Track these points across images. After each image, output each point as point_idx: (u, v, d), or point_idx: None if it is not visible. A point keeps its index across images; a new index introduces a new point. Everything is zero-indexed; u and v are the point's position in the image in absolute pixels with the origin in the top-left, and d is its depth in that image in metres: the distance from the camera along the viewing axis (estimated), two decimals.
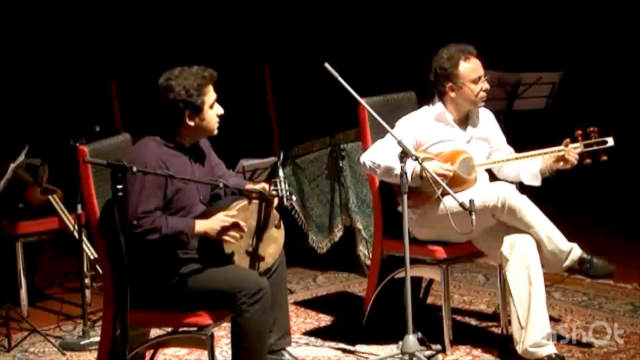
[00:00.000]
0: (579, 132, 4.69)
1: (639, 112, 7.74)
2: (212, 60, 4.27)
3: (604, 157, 4.67)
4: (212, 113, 4.16)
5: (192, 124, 4.13)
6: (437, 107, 4.81)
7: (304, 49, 7.63)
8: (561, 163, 4.69)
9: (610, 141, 4.66)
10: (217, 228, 4.04)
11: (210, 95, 4.15)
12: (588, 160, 4.68)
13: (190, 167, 4.19)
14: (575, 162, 4.67)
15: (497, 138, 4.91)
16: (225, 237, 4.05)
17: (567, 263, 4.57)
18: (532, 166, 4.79)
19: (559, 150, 4.68)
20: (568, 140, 4.69)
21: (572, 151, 4.67)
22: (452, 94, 4.76)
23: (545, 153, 4.71)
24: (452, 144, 4.74)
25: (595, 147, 4.68)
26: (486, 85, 4.77)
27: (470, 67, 4.73)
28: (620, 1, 7.87)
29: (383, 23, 8.27)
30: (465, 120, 4.84)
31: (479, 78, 4.74)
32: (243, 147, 5.72)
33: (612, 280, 5.62)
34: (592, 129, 4.69)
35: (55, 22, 7.54)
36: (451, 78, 4.73)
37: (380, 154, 4.62)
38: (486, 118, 4.90)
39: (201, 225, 4.06)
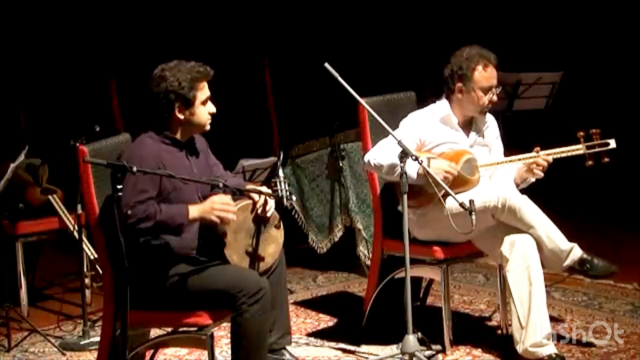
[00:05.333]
0: (581, 133, 4.68)
1: (639, 111, 7.75)
2: (212, 60, 4.27)
3: (606, 159, 4.66)
4: (204, 109, 4.15)
5: (181, 117, 4.13)
6: (444, 107, 4.80)
7: (305, 49, 7.63)
8: (531, 172, 4.68)
9: (613, 143, 4.66)
10: (209, 208, 4.02)
11: (204, 91, 4.15)
12: (590, 162, 4.67)
13: (188, 163, 4.19)
14: (541, 173, 4.66)
15: (495, 147, 4.91)
16: (219, 214, 4.02)
17: (567, 262, 4.57)
18: (508, 175, 4.79)
19: (534, 157, 4.66)
20: (538, 148, 4.68)
21: (541, 158, 4.64)
22: (459, 95, 4.75)
23: (527, 158, 4.68)
24: (455, 146, 4.74)
25: (597, 149, 4.67)
26: (494, 98, 4.76)
27: (485, 76, 4.71)
28: (620, 1, 7.87)
29: (383, 23, 8.27)
30: (469, 125, 4.84)
31: (490, 88, 4.73)
32: (243, 147, 5.73)
33: (612, 280, 5.63)
34: (594, 130, 4.68)
35: (55, 22, 7.54)
36: (463, 80, 4.72)
37: (383, 152, 4.62)
38: (490, 125, 4.89)
39: (195, 210, 4.04)
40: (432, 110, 4.82)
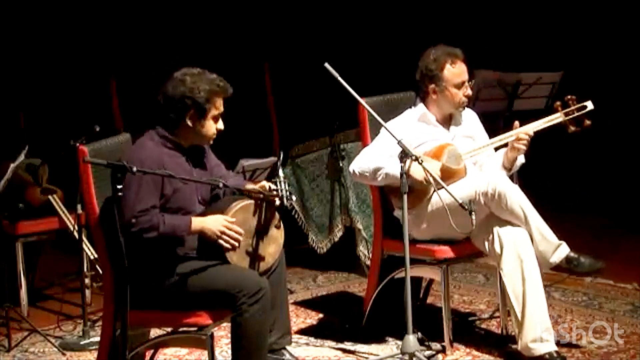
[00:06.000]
0: (558, 103, 4.74)
1: (639, 111, 7.75)
2: (212, 60, 4.28)
3: (588, 122, 4.71)
4: (213, 125, 4.15)
5: (190, 124, 4.12)
6: (419, 108, 4.84)
7: (305, 49, 7.63)
8: (515, 148, 4.70)
9: (590, 105, 4.72)
10: (214, 229, 4.05)
11: (218, 107, 4.14)
12: (572, 128, 4.73)
13: (189, 167, 4.19)
14: (524, 146, 4.67)
15: (480, 137, 4.91)
16: (220, 241, 4.05)
17: (554, 259, 4.55)
18: (496, 162, 4.80)
19: (514, 133, 4.70)
20: (517, 123, 4.72)
21: (520, 133, 4.67)
22: (434, 96, 4.78)
23: (507, 137, 4.72)
24: (435, 143, 4.74)
25: (576, 114, 4.71)
26: (468, 92, 4.79)
27: (455, 72, 4.74)
28: (620, 1, 7.87)
29: (383, 23, 8.28)
30: (448, 120, 4.86)
31: (462, 83, 4.76)
32: (243, 147, 5.72)
33: (612, 280, 5.63)
34: (569, 97, 4.74)
35: (55, 22, 7.54)
36: (435, 80, 4.75)
37: (366, 159, 4.65)
38: (469, 117, 4.92)
39: (198, 223, 4.06)
40: (409, 114, 4.85)
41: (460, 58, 4.77)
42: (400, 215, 4.53)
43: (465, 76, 4.77)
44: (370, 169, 4.63)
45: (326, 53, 4.65)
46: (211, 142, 4.22)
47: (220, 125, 4.18)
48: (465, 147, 4.78)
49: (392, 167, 4.45)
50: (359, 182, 5.77)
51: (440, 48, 4.79)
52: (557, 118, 4.73)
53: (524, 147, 4.70)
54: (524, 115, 5.79)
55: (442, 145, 4.70)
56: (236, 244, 4.08)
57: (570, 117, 4.72)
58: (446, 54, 4.75)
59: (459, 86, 4.75)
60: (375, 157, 4.61)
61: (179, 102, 4.08)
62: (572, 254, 4.55)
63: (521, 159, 4.78)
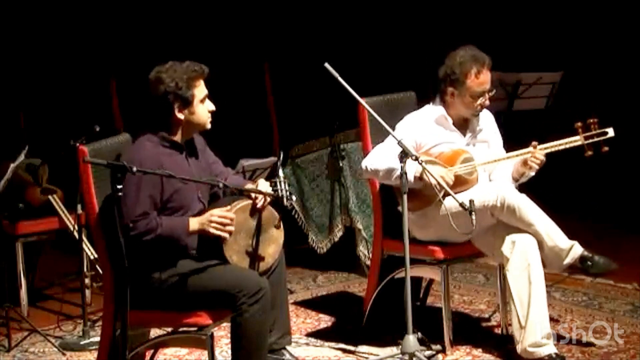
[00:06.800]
0: (579, 124, 4.68)
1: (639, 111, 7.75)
2: (212, 60, 4.27)
3: (605, 148, 4.66)
4: (203, 108, 4.16)
5: (181, 117, 4.13)
6: (438, 108, 4.81)
7: (305, 49, 7.63)
8: (528, 166, 4.67)
9: (611, 132, 4.66)
10: (204, 221, 4.04)
11: (201, 89, 4.15)
12: (589, 152, 4.67)
13: (187, 165, 4.19)
14: (537, 166, 4.65)
15: (495, 141, 4.91)
16: (211, 229, 4.02)
17: (567, 261, 4.55)
18: (505, 172, 4.79)
19: (528, 152, 4.65)
20: (535, 142, 4.67)
21: (537, 152, 4.64)
22: (451, 99, 4.76)
23: (524, 153, 4.68)
24: (452, 146, 4.74)
25: (595, 139, 4.67)
26: (486, 102, 4.75)
27: (478, 82, 4.69)
28: (620, 1, 7.87)
29: (383, 23, 8.27)
30: (465, 124, 4.84)
31: (482, 93, 4.72)
32: (243, 147, 5.72)
33: (612, 280, 5.63)
34: (591, 120, 4.67)
35: (55, 22, 7.54)
36: (455, 85, 4.71)
37: (380, 158, 4.64)
38: (486, 120, 4.90)
39: (195, 223, 4.06)
40: (426, 112, 4.83)
41: (487, 67, 4.70)
42: None
43: (487, 86, 4.72)
44: (384, 167, 4.61)
45: (326, 53, 4.65)
46: (209, 125, 4.21)
47: (211, 106, 4.19)
48: (480, 153, 4.76)
49: (407, 170, 4.39)
50: (364, 180, 5.77)
51: (469, 51, 4.72)
52: (576, 141, 4.66)
53: (537, 167, 4.66)
54: (524, 115, 5.81)
55: (457, 152, 4.69)
56: (227, 228, 4.05)
57: (590, 141, 4.67)
58: (473, 60, 4.69)
59: (478, 96, 4.72)
60: (389, 156, 4.57)
61: (162, 101, 4.10)
62: (586, 253, 4.54)
63: (531, 172, 4.75)
